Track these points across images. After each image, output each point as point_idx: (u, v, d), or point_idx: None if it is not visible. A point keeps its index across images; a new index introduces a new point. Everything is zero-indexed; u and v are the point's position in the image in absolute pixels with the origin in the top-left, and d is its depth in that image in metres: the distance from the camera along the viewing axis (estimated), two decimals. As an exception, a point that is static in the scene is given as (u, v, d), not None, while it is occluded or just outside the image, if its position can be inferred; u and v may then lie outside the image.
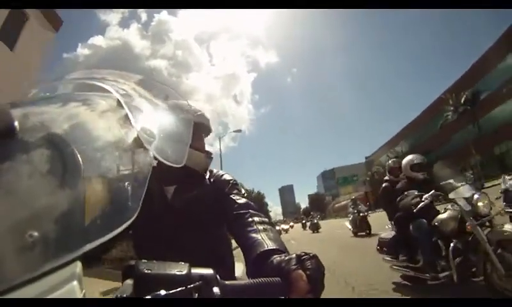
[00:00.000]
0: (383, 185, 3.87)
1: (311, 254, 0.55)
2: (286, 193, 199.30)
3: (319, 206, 70.39)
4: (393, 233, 3.63)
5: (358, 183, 65.52)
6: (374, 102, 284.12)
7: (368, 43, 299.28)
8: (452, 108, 27.57)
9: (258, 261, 0.67)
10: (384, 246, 3.70)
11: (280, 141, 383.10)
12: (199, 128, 1.03)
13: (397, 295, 3.21)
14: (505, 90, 22.00)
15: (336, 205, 66.72)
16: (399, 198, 3.28)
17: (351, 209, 11.17)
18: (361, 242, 8.83)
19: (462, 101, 26.33)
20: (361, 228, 10.09)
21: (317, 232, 18.46)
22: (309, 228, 21.01)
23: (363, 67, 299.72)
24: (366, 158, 58.55)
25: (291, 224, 41.05)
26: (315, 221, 19.76)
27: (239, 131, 27.30)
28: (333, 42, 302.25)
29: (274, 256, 0.64)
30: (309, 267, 0.53)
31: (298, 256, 0.56)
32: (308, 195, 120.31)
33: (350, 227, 10.91)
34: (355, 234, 10.48)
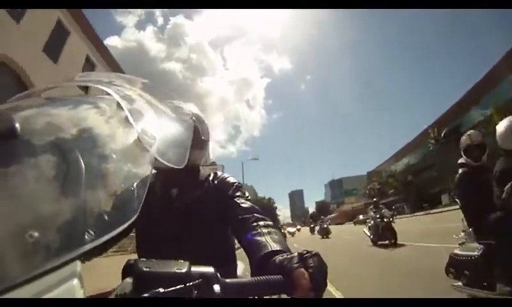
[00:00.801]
0: (460, 171, 2.39)
1: (313, 252, 0.53)
2: (296, 197, 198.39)
3: (325, 213, 71.52)
4: (478, 246, 2.16)
5: (358, 194, 69.21)
6: (388, 111, 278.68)
7: (386, 51, 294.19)
8: (433, 141, 32.73)
9: (262, 263, 0.65)
10: (464, 268, 2.20)
11: (291, 146, 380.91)
12: (198, 132, 0.99)
13: None
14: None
15: (328, 216, 71.69)
16: (509, 186, 1.82)
17: (372, 213, 9.06)
18: (389, 253, 6.95)
19: (442, 135, 31.13)
20: (384, 235, 8.25)
21: (327, 237, 16.91)
22: (318, 232, 19.25)
23: (379, 76, 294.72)
24: (367, 173, 62.81)
25: (298, 227, 39.67)
26: (325, 226, 18.05)
27: (256, 159, 29.40)
28: (349, 50, 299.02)
29: (277, 256, 0.62)
30: (311, 265, 0.50)
31: (300, 255, 0.54)
32: (316, 202, 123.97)
33: (369, 234, 9.17)
34: (375, 243, 8.74)
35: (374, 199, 9.56)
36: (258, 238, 0.74)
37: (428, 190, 35.31)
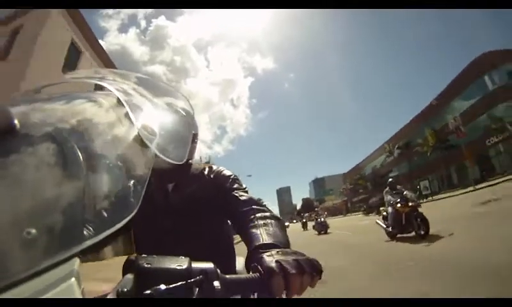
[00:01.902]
0: None
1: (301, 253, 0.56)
2: (283, 194, 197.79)
3: (309, 210, 72.69)
4: None
5: (336, 193, 75.39)
6: (371, 110, 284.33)
7: (368, 48, 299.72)
8: (388, 153, 40.50)
9: (253, 256, 0.63)
10: None
11: (277, 143, 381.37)
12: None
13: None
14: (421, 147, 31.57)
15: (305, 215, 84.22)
16: None
17: (389, 197, 6.75)
18: (432, 253, 4.63)
19: (396, 148, 38.21)
20: (410, 225, 6.07)
21: (325, 233, 13.89)
22: (314, 228, 16.02)
23: (361, 73, 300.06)
24: (343, 174, 67.70)
25: (286, 223, 37.91)
26: (322, 219, 14.70)
27: (250, 175, 31.03)
28: (332, 49, 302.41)
29: (267, 251, 0.60)
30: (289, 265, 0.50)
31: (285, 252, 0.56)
32: (302, 198, 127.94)
33: (384, 225, 7.07)
34: (393, 236, 6.67)
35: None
36: (254, 230, 0.73)
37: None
